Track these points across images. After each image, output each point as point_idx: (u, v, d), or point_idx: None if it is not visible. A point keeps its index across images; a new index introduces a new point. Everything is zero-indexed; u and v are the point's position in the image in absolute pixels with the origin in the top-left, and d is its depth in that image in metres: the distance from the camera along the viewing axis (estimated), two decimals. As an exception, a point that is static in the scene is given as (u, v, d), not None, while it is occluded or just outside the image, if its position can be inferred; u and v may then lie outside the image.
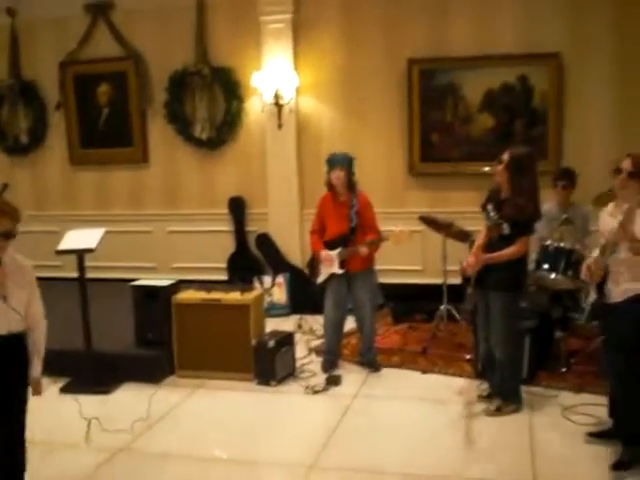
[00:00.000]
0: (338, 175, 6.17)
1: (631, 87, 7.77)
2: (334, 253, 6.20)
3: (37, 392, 3.93)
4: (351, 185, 6.25)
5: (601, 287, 4.49)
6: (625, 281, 4.36)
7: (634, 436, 4.49)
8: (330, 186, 6.29)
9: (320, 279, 6.33)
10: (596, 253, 4.45)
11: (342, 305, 6.40)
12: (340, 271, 6.22)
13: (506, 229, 5.14)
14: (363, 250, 6.11)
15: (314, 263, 6.42)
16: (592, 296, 4.56)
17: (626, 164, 4.36)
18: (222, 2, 8.65)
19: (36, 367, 3.89)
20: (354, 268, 6.24)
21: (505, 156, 5.21)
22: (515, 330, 5.39)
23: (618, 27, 7.71)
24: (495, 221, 5.21)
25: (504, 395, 5.44)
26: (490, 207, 5.30)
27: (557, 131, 7.94)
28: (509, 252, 5.14)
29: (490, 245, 5.26)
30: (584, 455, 4.69)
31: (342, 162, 6.22)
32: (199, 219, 9.07)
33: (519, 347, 5.55)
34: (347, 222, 6.20)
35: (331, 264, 6.22)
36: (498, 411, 5.39)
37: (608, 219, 4.50)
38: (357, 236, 6.20)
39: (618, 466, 4.43)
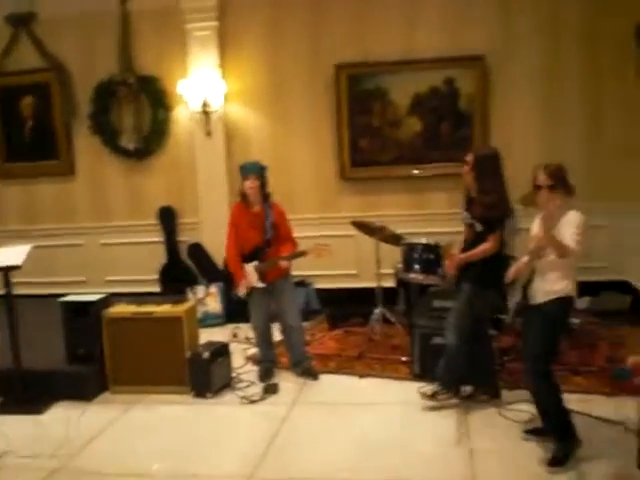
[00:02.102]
0: (252, 184, 6.07)
1: (554, 90, 7.97)
2: (251, 266, 6.14)
3: None
4: (265, 195, 6.18)
5: (525, 289, 4.57)
6: (548, 283, 4.47)
7: (564, 431, 4.58)
8: (243, 196, 6.20)
9: (241, 293, 6.24)
10: (526, 257, 4.55)
11: (266, 314, 6.37)
12: (261, 285, 6.17)
13: (478, 227, 5.20)
14: (283, 264, 6.08)
15: (233, 277, 6.34)
16: (518, 296, 4.64)
17: (543, 180, 4.44)
18: (146, 11, 8.55)
19: None
20: (273, 277, 6.19)
21: (469, 157, 5.26)
22: (469, 324, 5.37)
23: (541, 31, 7.91)
24: (468, 221, 5.27)
25: (443, 382, 5.51)
26: (463, 208, 5.37)
27: (483, 133, 8.07)
28: (481, 249, 5.22)
29: (468, 245, 5.33)
30: (520, 452, 4.75)
31: (256, 171, 6.12)
32: (130, 230, 8.94)
33: (467, 343, 5.48)
34: (262, 234, 6.13)
35: (250, 278, 6.17)
36: (432, 396, 5.49)
37: (537, 226, 4.62)
38: (272, 247, 6.16)
39: (553, 462, 4.49)
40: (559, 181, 4.44)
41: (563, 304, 4.52)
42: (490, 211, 5.15)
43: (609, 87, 7.87)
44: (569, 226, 4.34)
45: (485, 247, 5.21)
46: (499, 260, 5.30)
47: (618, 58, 7.74)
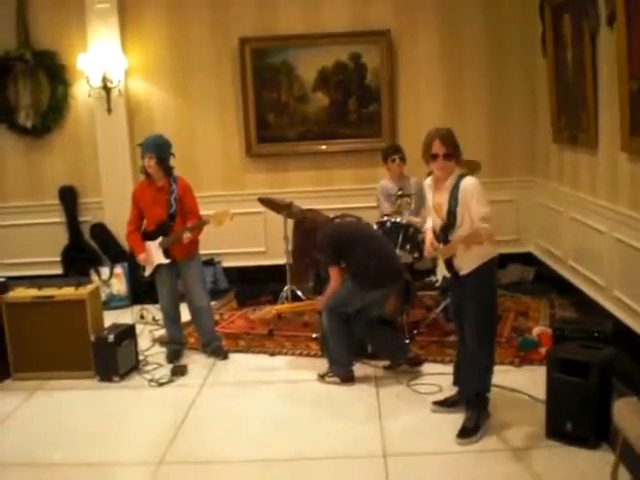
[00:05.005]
0: (148, 163, 5.91)
1: (458, 65, 8.06)
2: (156, 243, 6.00)
3: None
4: (167, 170, 6.02)
5: (449, 262, 4.58)
6: (473, 251, 4.44)
7: (479, 401, 4.63)
8: (146, 173, 6.03)
9: (147, 272, 6.14)
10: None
11: (173, 293, 6.24)
12: (166, 261, 6.03)
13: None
14: (186, 235, 5.89)
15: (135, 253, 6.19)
16: (443, 270, 4.67)
17: (439, 148, 4.45)
18: (43, -17, 8.16)
19: None
20: (179, 256, 6.06)
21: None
22: (344, 311, 5.49)
23: (445, 6, 7.94)
24: None
25: (330, 362, 5.63)
26: None
27: (390, 108, 8.09)
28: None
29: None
30: (431, 424, 4.79)
31: (151, 148, 5.93)
32: (29, 211, 8.54)
33: (343, 322, 5.54)
34: (166, 209, 5.98)
35: (155, 255, 6.03)
36: (321, 377, 5.60)
37: (430, 193, 4.68)
38: (178, 223, 6.00)
39: (463, 433, 4.53)
40: (454, 148, 4.48)
41: (492, 265, 4.57)
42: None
43: (514, 63, 7.98)
44: (472, 199, 4.38)
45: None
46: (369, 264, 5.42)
47: (522, 34, 7.85)
